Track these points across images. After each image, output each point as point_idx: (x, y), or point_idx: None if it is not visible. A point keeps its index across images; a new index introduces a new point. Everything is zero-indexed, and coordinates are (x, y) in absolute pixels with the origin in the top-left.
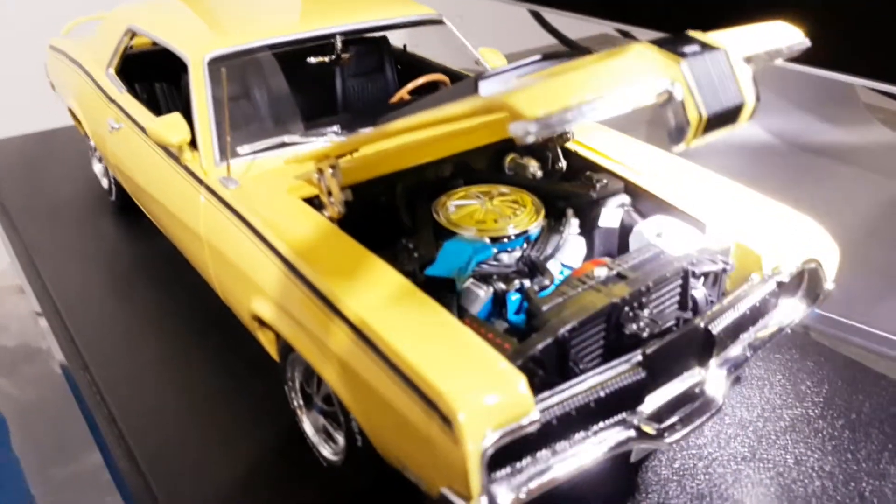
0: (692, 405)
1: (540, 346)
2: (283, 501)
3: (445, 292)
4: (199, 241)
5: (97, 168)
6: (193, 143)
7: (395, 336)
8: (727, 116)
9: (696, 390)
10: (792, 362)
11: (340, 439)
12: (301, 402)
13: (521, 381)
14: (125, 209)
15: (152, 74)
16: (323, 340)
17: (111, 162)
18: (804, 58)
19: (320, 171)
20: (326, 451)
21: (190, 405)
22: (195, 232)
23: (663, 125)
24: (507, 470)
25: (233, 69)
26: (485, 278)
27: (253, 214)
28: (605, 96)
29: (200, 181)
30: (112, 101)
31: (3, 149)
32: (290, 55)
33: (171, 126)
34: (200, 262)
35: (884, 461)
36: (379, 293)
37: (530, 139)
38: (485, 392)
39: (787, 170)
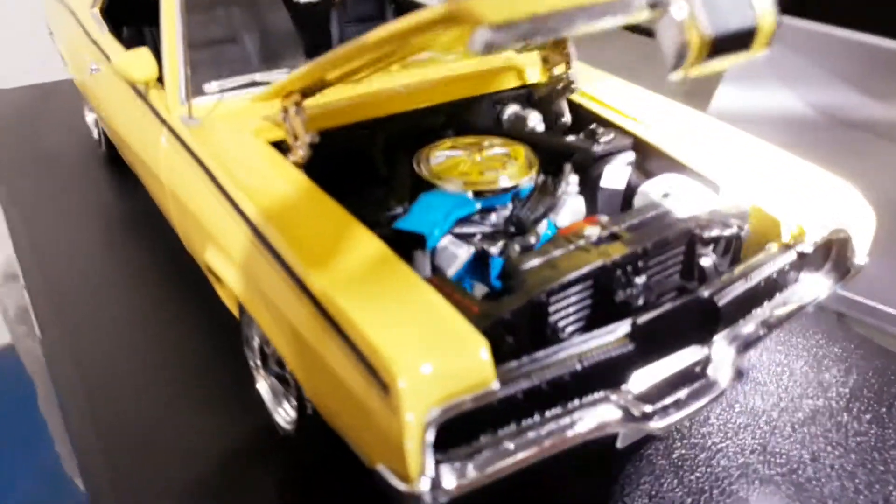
0: (690, 387)
1: (511, 309)
2: (231, 474)
3: (416, 249)
4: (160, 185)
5: (89, 118)
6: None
7: (340, 291)
8: (737, 40)
9: (697, 370)
10: (817, 348)
11: (292, 405)
12: (259, 362)
13: (481, 347)
14: (115, 160)
15: (142, 18)
16: (266, 293)
17: (94, 108)
18: (850, 21)
19: (285, 111)
20: (280, 419)
21: (153, 368)
22: (157, 175)
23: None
24: (460, 449)
25: (204, 4)
26: (466, 237)
27: (209, 155)
28: (583, 5)
29: (163, 121)
30: (94, 41)
31: None
32: None
33: (136, 61)
34: (165, 209)
35: None
36: (331, 245)
37: (487, 50)
38: (435, 357)
39: (827, 145)
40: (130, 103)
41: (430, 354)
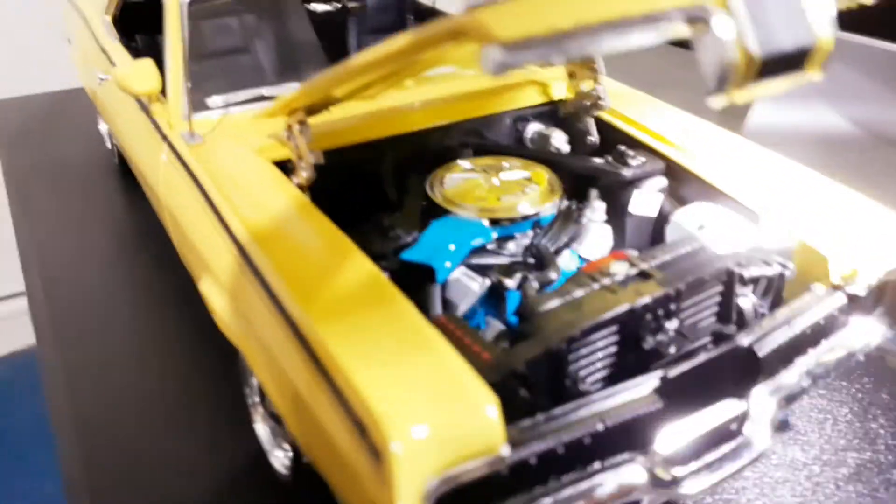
0: (726, 447)
1: (526, 360)
2: None
3: (425, 282)
4: (159, 203)
5: (103, 128)
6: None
7: (333, 336)
8: (789, 60)
9: (733, 427)
10: (863, 393)
11: (287, 450)
12: (257, 399)
13: (490, 405)
14: (128, 172)
15: (155, 26)
16: (255, 331)
17: (104, 118)
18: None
19: (289, 129)
20: (277, 462)
21: (148, 393)
22: (156, 192)
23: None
24: None
25: (214, 11)
26: (481, 268)
27: (208, 176)
28: (611, 20)
29: (164, 136)
30: (103, 50)
31: (13, 108)
32: (290, 2)
33: (138, 73)
34: (165, 227)
35: None
36: (329, 281)
37: (500, 70)
38: (436, 417)
39: (872, 166)
40: (134, 116)
41: (430, 414)
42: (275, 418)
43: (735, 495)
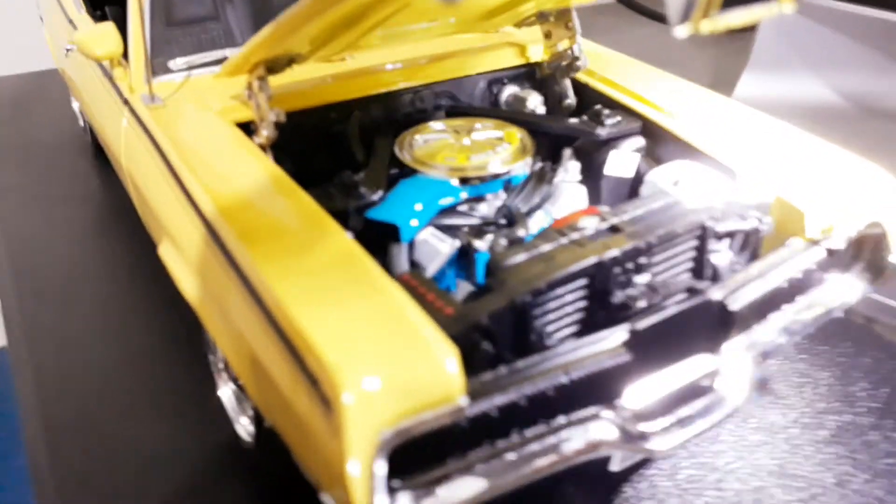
0: (698, 403)
1: (489, 312)
2: (188, 487)
3: (391, 242)
4: (122, 170)
5: (76, 106)
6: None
7: (286, 289)
8: None
9: (705, 383)
10: (845, 357)
11: (251, 414)
12: (221, 366)
13: (449, 356)
14: (101, 149)
15: None
16: (211, 290)
17: (72, 91)
18: (891, 2)
19: (249, 87)
20: (242, 429)
21: (116, 368)
22: (118, 160)
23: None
24: (422, 475)
25: None
26: (451, 229)
27: (167, 139)
28: None
29: (125, 101)
30: (70, 21)
31: None
32: None
33: (98, 37)
34: (129, 194)
35: None
36: (287, 238)
37: None
38: (391, 367)
39: (861, 137)
40: (97, 83)
41: (384, 365)
42: (238, 384)
43: (712, 458)
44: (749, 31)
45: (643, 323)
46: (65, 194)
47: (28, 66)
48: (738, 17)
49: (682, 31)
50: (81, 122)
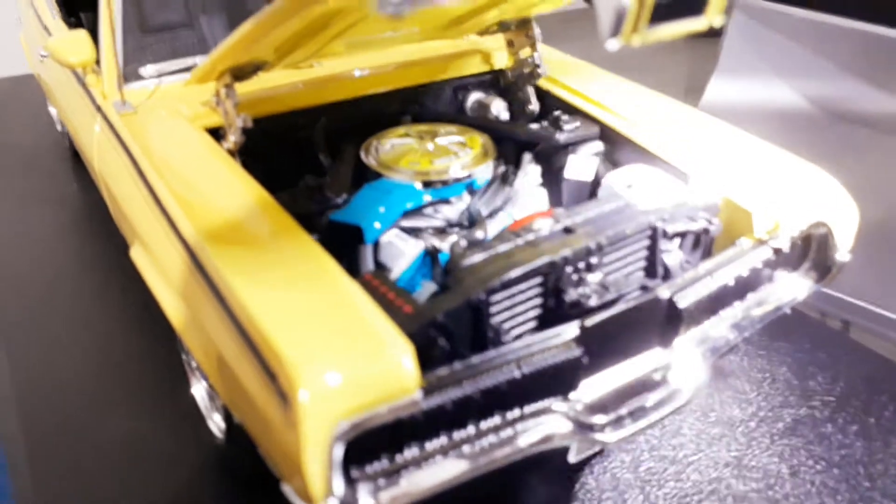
0: (649, 395)
1: (445, 310)
2: (161, 483)
3: (356, 244)
4: (95, 174)
5: (53, 111)
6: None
7: (247, 289)
8: (685, 4)
9: (656, 377)
10: (802, 353)
11: (222, 412)
12: (194, 364)
13: (403, 352)
14: (78, 153)
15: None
16: (177, 289)
17: (48, 97)
18: (852, 10)
19: (217, 94)
20: (214, 426)
21: (91, 366)
22: (92, 164)
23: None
24: (380, 465)
25: None
26: (415, 231)
27: (138, 144)
28: None
29: (98, 107)
30: (44, 27)
31: None
32: None
33: (71, 44)
34: (104, 198)
35: None
36: (249, 240)
37: (391, 10)
38: (346, 363)
39: (825, 141)
40: (71, 89)
41: (340, 360)
42: (210, 383)
43: (672, 452)
44: (717, 36)
45: (594, 319)
46: (42, 196)
47: (5, 71)
48: (667, 31)
49: (612, 45)
50: (59, 127)
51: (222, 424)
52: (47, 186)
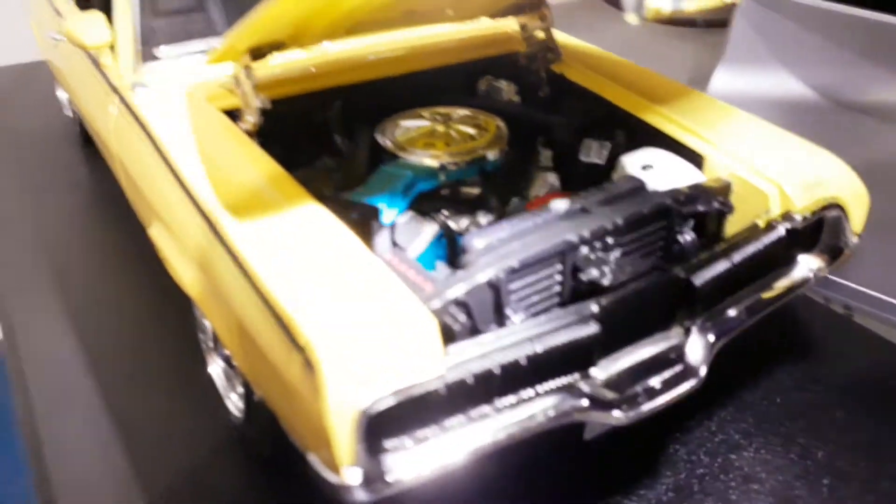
0: (665, 374)
1: (467, 288)
2: (179, 463)
3: (373, 224)
4: (111, 155)
5: (61, 95)
6: None
7: (275, 267)
8: None
9: (672, 356)
10: (812, 339)
11: (240, 390)
12: (211, 344)
13: (429, 327)
14: (89, 139)
15: None
16: (200, 266)
17: (59, 80)
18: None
19: (236, 75)
20: (231, 405)
21: (108, 349)
22: (108, 146)
23: None
24: (403, 438)
25: None
26: (431, 212)
27: (156, 125)
28: None
29: (114, 88)
30: (56, 10)
31: None
32: None
33: (87, 26)
34: (118, 179)
35: None
36: (274, 219)
37: None
38: (373, 337)
39: (829, 130)
40: (85, 71)
41: (367, 333)
42: (228, 361)
43: (683, 433)
44: (723, 26)
45: (611, 297)
46: (52, 182)
47: (12, 58)
48: (689, 4)
49: (634, 18)
50: (69, 113)
51: (240, 403)
52: (57, 172)
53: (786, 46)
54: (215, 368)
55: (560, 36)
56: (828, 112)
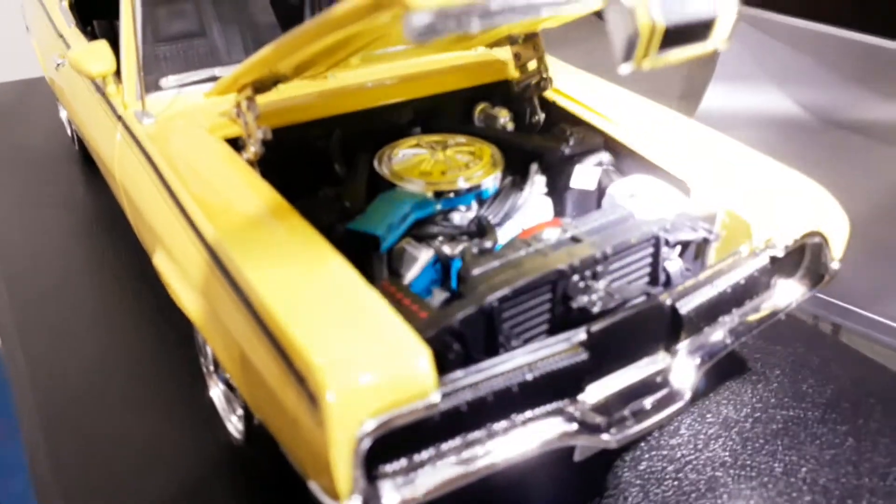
0: (651, 397)
1: (460, 316)
2: (181, 484)
3: (370, 251)
4: (115, 182)
5: (63, 115)
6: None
7: (273, 295)
8: (692, 31)
9: (658, 380)
10: (795, 357)
11: (240, 413)
12: (211, 368)
13: (422, 356)
14: (88, 158)
15: (112, 11)
16: (202, 294)
17: (62, 103)
18: (844, 20)
19: (238, 106)
20: (232, 427)
21: (108, 371)
22: (112, 172)
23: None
24: (399, 464)
25: None
26: (426, 239)
27: (160, 154)
28: None
29: (119, 116)
30: (60, 35)
31: None
32: None
33: (92, 54)
34: (121, 205)
35: (891, 477)
36: (273, 247)
37: (422, 37)
38: (369, 366)
39: (818, 147)
40: (89, 98)
41: (364, 364)
42: (228, 385)
43: (671, 452)
44: None
45: (599, 325)
46: (53, 200)
47: (14, 74)
48: (675, 55)
49: (625, 69)
50: (69, 132)
51: (240, 426)
52: (58, 189)
53: (775, 65)
54: (216, 391)
55: (553, 62)
56: (816, 129)
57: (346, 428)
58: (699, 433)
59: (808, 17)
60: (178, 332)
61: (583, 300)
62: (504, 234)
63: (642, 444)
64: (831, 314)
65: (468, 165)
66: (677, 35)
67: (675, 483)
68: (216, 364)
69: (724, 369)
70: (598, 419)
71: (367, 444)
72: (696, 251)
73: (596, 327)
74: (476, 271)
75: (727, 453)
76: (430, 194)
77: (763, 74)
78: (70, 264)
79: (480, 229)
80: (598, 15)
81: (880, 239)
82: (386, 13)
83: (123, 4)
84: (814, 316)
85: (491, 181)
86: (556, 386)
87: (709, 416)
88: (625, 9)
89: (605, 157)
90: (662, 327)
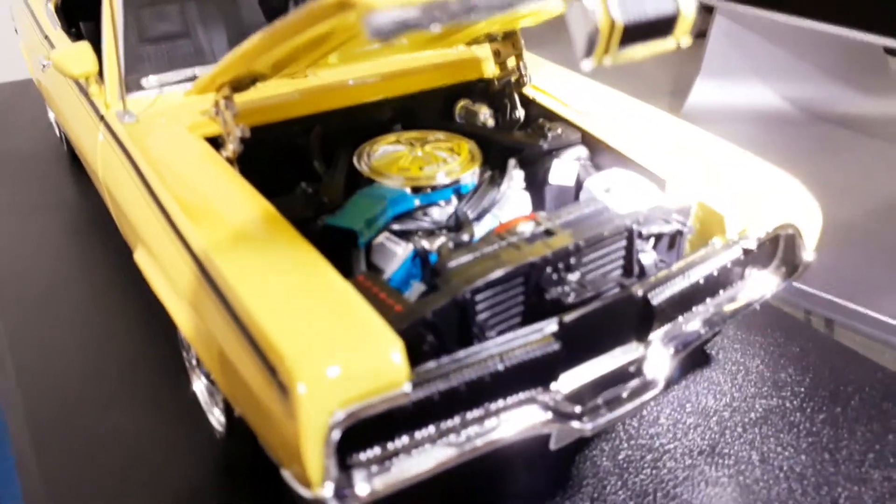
0: (625, 386)
1: (434, 309)
2: (167, 476)
3: (349, 247)
4: (99, 181)
5: (52, 116)
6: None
7: (247, 289)
8: (653, 27)
9: (632, 370)
10: (775, 347)
11: (222, 406)
12: (194, 362)
13: (394, 348)
14: (77, 159)
15: (98, 13)
16: (180, 289)
17: (49, 104)
18: (828, 15)
19: (216, 105)
20: (214, 420)
21: (94, 368)
22: (95, 172)
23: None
24: (372, 453)
25: None
26: (405, 234)
27: (141, 153)
28: None
29: (101, 116)
30: (46, 37)
31: None
32: None
33: (74, 56)
34: (105, 203)
35: (867, 464)
36: (249, 243)
37: (381, 36)
38: (340, 357)
39: (803, 141)
40: (73, 99)
41: (335, 355)
42: (209, 379)
43: (649, 441)
44: (701, 36)
45: (572, 316)
46: (41, 201)
47: (3, 76)
48: (637, 52)
49: (586, 65)
50: (57, 133)
51: (222, 419)
52: (46, 191)
53: (761, 60)
54: (199, 386)
55: (532, 59)
56: (801, 123)
57: (316, 418)
58: (678, 422)
59: (792, 12)
60: (163, 328)
61: (556, 291)
62: (482, 229)
63: (621, 433)
64: (823, 309)
65: (446, 161)
66: (639, 31)
67: (653, 472)
68: (198, 359)
69: (703, 359)
70: (572, 407)
71: (337, 433)
72: (670, 243)
73: (568, 318)
74: (451, 264)
75: (705, 442)
76: (408, 190)
77: (750, 70)
78: (59, 264)
79: (457, 223)
80: None
81: (867, 231)
82: (350, 13)
83: (105, 5)
84: (806, 311)
85: (469, 176)
86: (529, 376)
87: (688, 405)
88: (584, 7)
89: (582, 152)
90: (635, 318)
